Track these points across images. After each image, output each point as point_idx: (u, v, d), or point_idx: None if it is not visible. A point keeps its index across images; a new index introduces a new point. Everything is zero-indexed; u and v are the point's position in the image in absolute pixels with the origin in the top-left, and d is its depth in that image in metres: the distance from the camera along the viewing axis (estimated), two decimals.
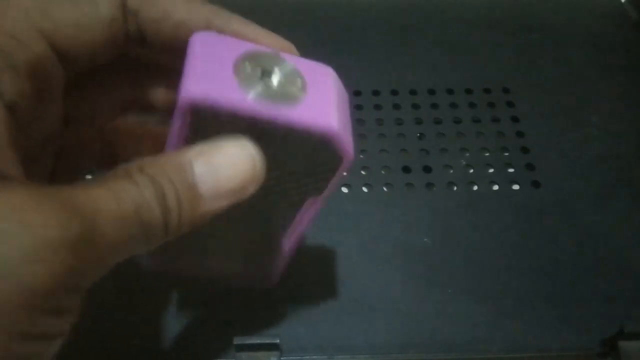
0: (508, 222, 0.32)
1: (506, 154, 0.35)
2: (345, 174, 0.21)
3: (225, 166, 0.18)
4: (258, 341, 0.24)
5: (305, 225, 0.23)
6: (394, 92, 0.38)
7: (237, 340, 0.24)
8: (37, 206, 0.13)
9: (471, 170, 0.34)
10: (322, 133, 0.18)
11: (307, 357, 0.26)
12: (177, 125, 0.18)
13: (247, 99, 0.17)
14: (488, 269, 0.29)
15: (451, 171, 0.34)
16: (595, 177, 0.34)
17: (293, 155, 0.19)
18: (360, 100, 0.38)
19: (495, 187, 0.33)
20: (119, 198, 0.15)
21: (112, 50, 0.18)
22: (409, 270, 0.29)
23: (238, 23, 0.20)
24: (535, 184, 0.33)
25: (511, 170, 0.34)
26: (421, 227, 0.31)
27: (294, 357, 0.26)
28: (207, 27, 0.19)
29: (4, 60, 0.14)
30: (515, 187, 0.33)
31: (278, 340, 0.24)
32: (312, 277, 0.29)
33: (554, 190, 0.33)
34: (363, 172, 0.34)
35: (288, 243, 0.24)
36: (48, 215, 0.13)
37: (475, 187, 0.33)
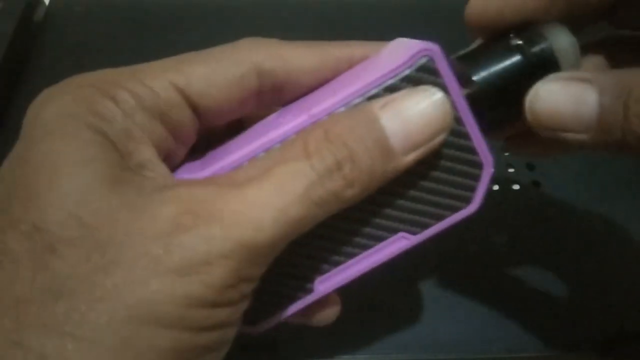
0: (508, 221, 0.32)
1: (506, 154, 0.35)
2: (463, 215, 0.20)
3: (416, 115, 0.17)
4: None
5: (362, 267, 0.20)
6: None
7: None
8: (195, 220, 0.15)
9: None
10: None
11: (307, 357, 0.26)
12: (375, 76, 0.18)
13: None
14: (487, 269, 0.29)
15: None
16: (595, 177, 0.34)
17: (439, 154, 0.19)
18: None
19: (496, 187, 0.33)
20: (283, 188, 0.16)
21: (244, 104, 0.19)
22: (409, 271, 0.29)
23: (343, 48, 0.20)
24: (536, 184, 0.33)
25: (511, 170, 0.34)
26: None
27: (294, 358, 0.26)
28: (324, 67, 0.20)
29: (138, 103, 0.17)
30: (516, 187, 0.33)
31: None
32: None
33: (554, 190, 0.33)
34: None
35: (325, 284, 0.21)
36: (207, 229, 0.15)
37: None
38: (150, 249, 0.15)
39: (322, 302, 0.22)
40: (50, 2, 0.42)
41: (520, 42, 0.19)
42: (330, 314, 0.22)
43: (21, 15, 0.38)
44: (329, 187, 0.16)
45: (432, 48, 0.18)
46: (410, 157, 0.18)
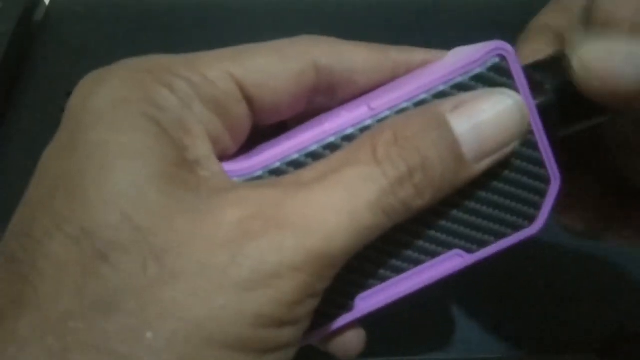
0: None
1: None
2: (531, 233, 0.19)
3: (491, 119, 0.16)
4: None
5: (409, 285, 0.19)
6: None
7: None
8: (264, 227, 0.14)
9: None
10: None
11: (308, 358, 0.26)
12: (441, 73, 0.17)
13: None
14: (487, 269, 0.29)
15: None
16: None
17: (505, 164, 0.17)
18: None
19: None
20: (353, 193, 0.15)
21: (298, 101, 0.18)
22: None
23: (403, 53, 0.19)
24: None
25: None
26: None
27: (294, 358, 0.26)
28: (381, 68, 0.19)
29: (194, 91, 0.16)
30: None
31: None
32: None
33: None
34: None
35: (366, 302, 0.19)
36: (277, 237, 0.14)
37: None
38: (215, 259, 0.13)
39: (347, 330, 0.20)
40: (50, 2, 0.42)
41: None
42: (352, 342, 0.20)
43: (21, 15, 0.38)
44: (400, 196, 0.15)
45: (506, 47, 0.17)
46: (482, 165, 0.16)
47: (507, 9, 0.42)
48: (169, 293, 0.13)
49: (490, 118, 0.16)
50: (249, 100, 0.17)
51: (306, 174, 0.16)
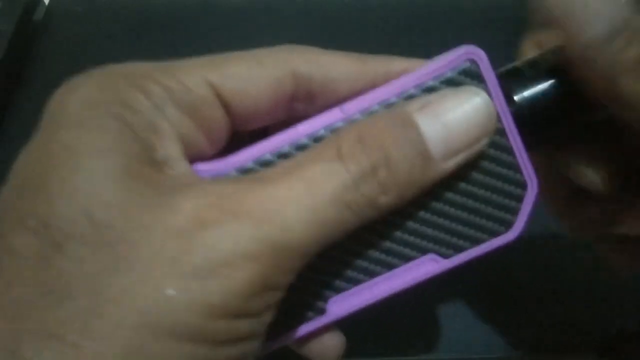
0: None
1: None
2: (508, 240, 0.19)
3: (457, 117, 0.16)
4: None
5: (383, 289, 0.18)
6: None
7: None
8: (220, 216, 0.14)
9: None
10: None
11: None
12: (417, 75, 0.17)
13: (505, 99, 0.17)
14: (487, 268, 0.29)
15: None
16: None
17: (479, 167, 0.18)
18: None
19: None
20: (314, 188, 0.15)
21: (277, 107, 0.18)
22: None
23: (382, 62, 0.19)
24: None
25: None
26: None
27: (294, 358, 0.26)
28: (361, 77, 0.19)
29: (169, 96, 0.16)
30: None
31: None
32: None
33: None
34: None
35: (339, 306, 0.19)
36: (233, 226, 0.14)
37: None
38: (167, 247, 0.13)
39: (323, 334, 0.19)
40: (50, 2, 0.42)
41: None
42: (331, 347, 0.20)
43: (21, 15, 0.38)
44: (364, 191, 0.15)
45: (477, 52, 0.17)
46: (450, 164, 0.16)
47: (507, 8, 0.42)
48: (119, 281, 0.13)
49: (457, 115, 0.16)
50: (226, 105, 0.17)
51: (271, 170, 0.16)
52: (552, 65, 0.18)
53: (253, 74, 0.18)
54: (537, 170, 0.18)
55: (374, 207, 0.16)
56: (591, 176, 0.19)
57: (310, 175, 0.15)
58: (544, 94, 0.17)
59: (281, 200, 0.15)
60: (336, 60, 0.19)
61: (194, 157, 0.17)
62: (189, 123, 0.17)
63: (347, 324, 0.27)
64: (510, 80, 0.18)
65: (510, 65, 0.18)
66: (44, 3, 0.42)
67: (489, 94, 0.17)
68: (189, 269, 0.13)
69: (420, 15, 0.42)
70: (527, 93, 0.18)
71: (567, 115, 0.18)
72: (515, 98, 0.18)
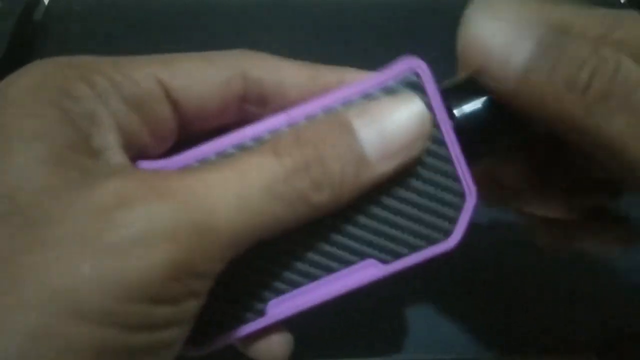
0: (508, 221, 0.32)
1: None
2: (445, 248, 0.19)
3: (392, 121, 0.16)
4: None
5: (322, 293, 0.19)
6: None
7: None
8: (142, 195, 0.14)
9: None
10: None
11: (307, 358, 0.26)
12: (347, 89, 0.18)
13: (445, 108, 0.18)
14: (488, 268, 0.29)
15: None
16: None
17: (418, 174, 0.18)
18: None
19: None
20: (245, 177, 0.15)
21: (227, 108, 0.19)
22: (408, 271, 0.29)
23: (335, 72, 0.20)
24: None
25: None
26: None
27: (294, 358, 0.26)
28: (312, 85, 0.19)
29: (114, 89, 0.16)
30: None
31: None
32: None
33: None
34: None
35: (279, 308, 0.19)
36: (154, 205, 0.14)
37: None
38: (85, 226, 0.13)
39: (269, 335, 0.19)
40: (50, 2, 0.42)
41: None
42: (277, 347, 0.20)
43: (21, 15, 0.38)
44: (295, 185, 0.15)
45: (419, 64, 0.18)
46: (386, 167, 0.17)
47: None
48: (33, 259, 0.13)
49: (392, 120, 0.16)
50: (174, 102, 0.18)
51: (207, 164, 0.16)
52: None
53: (202, 72, 0.18)
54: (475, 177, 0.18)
55: (307, 204, 0.16)
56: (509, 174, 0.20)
57: (243, 167, 0.15)
58: (483, 108, 0.18)
59: (208, 184, 0.15)
60: (288, 67, 0.19)
61: (138, 152, 0.18)
62: (133, 116, 0.17)
63: (347, 324, 0.27)
64: (452, 94, 0.18)
65: (453, 79, 0.19)
66: (44, 3, 0.42)
67: (430, 105, 0.18)
68: (103, 246, 0.13)
69: (419, 16, 0.42)
70: (467, 107, 0.18)
71: (505, 130, 0.18)
72: (455, 111, 0.18)
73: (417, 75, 0.18)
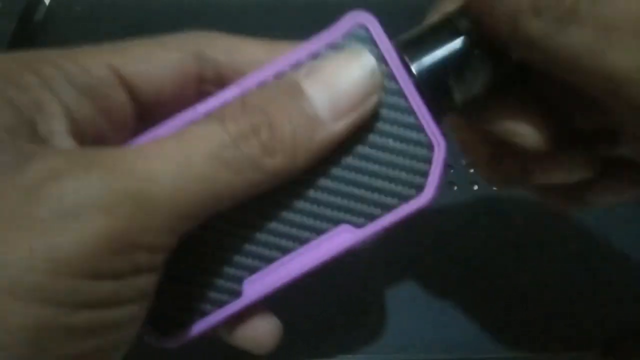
0: (508, 222, 0.32)
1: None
2: (419, 205, 0.18)
3: (341, 77, 0.16)
4: None
5: (298, 265, 0.18)
6: None
7: None
8: (72, 168, 0.13)
9: (471, 170, 0.34)
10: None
11: (307, 357, 0.26)
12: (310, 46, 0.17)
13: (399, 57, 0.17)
14: (488, 268, 0.29)
15: (451, 171, 0.34)
16: None
17: (382, 131, 0.18)
18: None
19: (494, 188, 0.33)
20: (187, 145, 0.15)
21: (183, 89, 0.18)
22: (409, 271, 0.29)
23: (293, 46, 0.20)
24: None
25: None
26: (421, 227, 0.31)
27: (294, 358, 0.26)
28: (270, 60, 0.19)
29: (65, 77, 0.16)
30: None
31: None
32: (311, 278, 0.29)
33: None
34: None
35: (255, 287, 0.18)
36: (82, 176, 0.13)
37: (476, 187, 0.33)
38: (13, 204, 0.13)
39: (252, 318, 0.19)
40: (50, 2, 0.42)
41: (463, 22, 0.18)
42: (263, 334, 0.19)
43: (21, 15, 0.38)
44: (244, 150, 0.15)
45: (367, 18, 0.17)
46: (340, 125, 0.16)
47: None
48: None
49: (342, 76, 0.16)
50: (129, 88, 0.17)
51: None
52: (453, 25, 0.18)
53: (154, 55, 0.18)
54: (459, 132, 0.18)
55: (261, 169, 0.15)
56: (523, 132, 0.18)
57: (185, 136, 0.15)
58: (445, 55, 0.17)
59: (146, 154, 0.14)
60: (244, 45, 0.19)
61: (96, 140, 0.17)
62: (86, 103, 0.17)
63: (347, 323, 0.27)
64: (409, 44, 0.18)
65: (409, 31, 0.18)
66: (44, 3, 0.42)
67: (383, 57, 0.17)
68: (33, 222, 0.12)
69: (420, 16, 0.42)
70: (425, 55, 0.18)
71: (474, 74, 0.18)
72: (414, 62, 0.18)
73: (366, 29, 0.17)
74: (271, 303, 0.27)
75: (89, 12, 0.41)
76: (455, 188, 0.33)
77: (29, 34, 0.39)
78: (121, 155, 0.14)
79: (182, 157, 0.14)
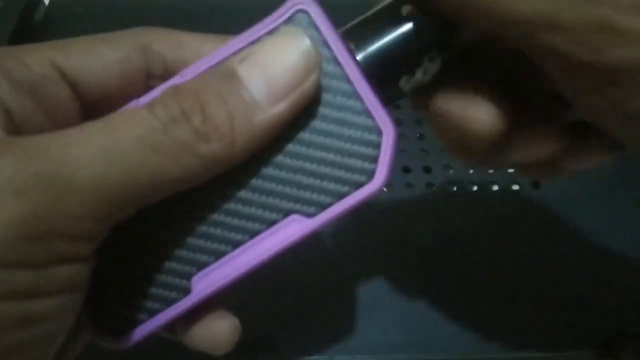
0: (508, 222, 0.32)
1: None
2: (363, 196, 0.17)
3: (275, 59, 0.16)
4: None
5: (248, 258, 0.17)
6: None
7: None
8: (4, 149, 0.13)
9: (471, 171, 0.34)
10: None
11: (307, 357, 0.26)
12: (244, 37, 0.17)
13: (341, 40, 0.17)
14: (488, 269, 0.29)
15: (451, 171, 0.34)
16: (595, 177, 0.34)
17: (324, 116, 0.17)
18: None
19: (495, 188, 0.33)
20: (112, 130, 0.14)
21: (130, 85, 0.18)
22: (409, 270, 0.29)
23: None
24: (535, 184, 0.33)
25: (511, 170, 0.34)
26: (421, 227, 0.31)
27: (294, 358, 0.26)
28: None
29: (4, 75, 0.16)
30: (515, 187, 0.33)
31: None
32: (311, 278, 0.29)
33: (554, 190, 0.33)
34: None
35: (204, 282, 0.17)
36: (4, 160, 0.13)
37: (475, 187, 0.33)
38: None
39: (207, 317, 0.18)
40: (50, 2, 0.42)
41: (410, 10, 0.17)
42: (220, 333, 0.18)
43: (21, 15, 0.38)
44: (175, 135, 0.14)
45: (306, 1, 0.17)
46: (278, 108, 0.16)
47: None
48: None
49: (275, 57, 0.16)
50: (72, 84, 0.17)
51: None
52: (397, 10, 0.17)
53: (97, 51, 0.18)
54: (436, 121, 0.18)
55: (196, 155, 0.15)
56: (477, 115, 0.18)
57: (111, 122, 0.15)
58: (389, 39, 0.17)
59: (66, 139, 0.14)
60: (191, 39, 0.19)
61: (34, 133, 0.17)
62: (26, 100, 0.16)
63: (347, 323, 0.27)
64: (354, 28, 0.18)
65: (356, 19, 0.18)
66: (44, 3, 0.42)
67: (325, 41, 0.17)
68: None
69: None
70: (370, 40, 0.17)
71: (418, 58, 0.17)
72: (359, 46, 0.17)
73: (306, 12, 0.17)
74: (269, 302, 0.27)
75: (89, 12, 0.41)
76: (455, 188, 0.33)
77: (29, 33, 0.39)
78: (42, 140, 0.14)
79: (105, 141, 0.14)
